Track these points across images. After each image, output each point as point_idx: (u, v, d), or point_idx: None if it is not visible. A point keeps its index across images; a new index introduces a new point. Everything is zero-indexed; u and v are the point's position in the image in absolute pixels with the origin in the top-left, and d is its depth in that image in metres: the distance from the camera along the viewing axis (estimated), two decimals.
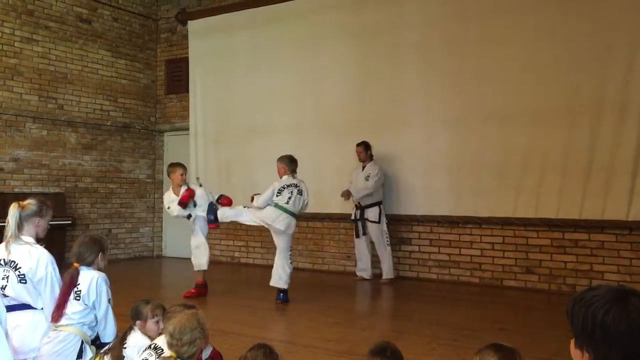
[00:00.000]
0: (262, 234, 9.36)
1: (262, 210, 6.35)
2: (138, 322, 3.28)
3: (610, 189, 6.66)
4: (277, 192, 6.30)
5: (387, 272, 7.71)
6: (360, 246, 7.91)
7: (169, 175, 6.89)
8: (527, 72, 7.18)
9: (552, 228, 7.07)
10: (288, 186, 6.33)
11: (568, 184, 6.89)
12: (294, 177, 6.42)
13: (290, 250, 6.52)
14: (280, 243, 6.42)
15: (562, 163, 6.94)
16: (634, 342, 1.39)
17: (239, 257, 9.62)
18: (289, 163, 6.46)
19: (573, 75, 6.90)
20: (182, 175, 6.72)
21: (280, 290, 6.34)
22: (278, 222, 6.28)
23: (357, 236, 7.88)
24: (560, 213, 6.95)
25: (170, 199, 6.74)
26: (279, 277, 6.34)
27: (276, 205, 6.29)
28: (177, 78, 10.51)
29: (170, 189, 6.83)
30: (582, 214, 6.82)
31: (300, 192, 6.36)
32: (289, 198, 6.29)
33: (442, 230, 7.82)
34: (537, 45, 7.15)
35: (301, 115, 8.87)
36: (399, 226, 8.06)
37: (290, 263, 6.44)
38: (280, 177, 6.43)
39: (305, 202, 6.46)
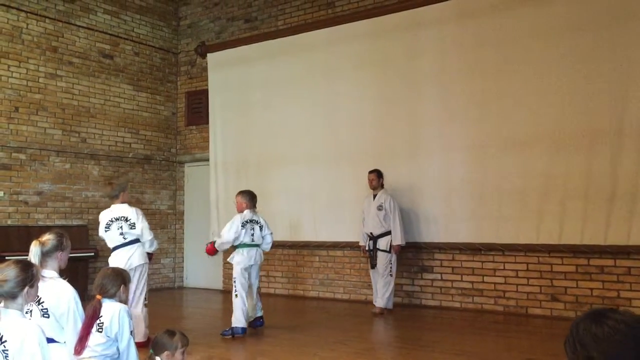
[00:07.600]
0: (282, 263, 9.36)
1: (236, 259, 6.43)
2: (166, 352, 3.26)
3: (634, 213, 6.54)
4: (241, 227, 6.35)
5: (382, 301, 7.43)
6: (376, 277, 7.66)
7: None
8: (546, 98, 7.15)
9: (577, 254, 6.95)
10: (250, 222, 6.44)
11: (591, 209, 6.79)
12: (254, 213, 6.56)
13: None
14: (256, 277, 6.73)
15: (584, 188, 6.85)
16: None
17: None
18: (250, 198, 6.60)
19: (592, 100, 6.85)
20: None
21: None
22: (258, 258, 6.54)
23: (372, 267, 7.64)
24: (584, 239, 6.83)
25: None
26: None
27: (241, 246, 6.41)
28: (197, 110, 10.65)
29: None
30: (607, 239, 6.70)
31: (261, 228, 6.52)
32: (252, 235, 6.44)
33: (464, 257, 7.73)
34: (555, 71, 7.12)
35: (320, 145, 8.90)
36: (420, 254, 7.98)
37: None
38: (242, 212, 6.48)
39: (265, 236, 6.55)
